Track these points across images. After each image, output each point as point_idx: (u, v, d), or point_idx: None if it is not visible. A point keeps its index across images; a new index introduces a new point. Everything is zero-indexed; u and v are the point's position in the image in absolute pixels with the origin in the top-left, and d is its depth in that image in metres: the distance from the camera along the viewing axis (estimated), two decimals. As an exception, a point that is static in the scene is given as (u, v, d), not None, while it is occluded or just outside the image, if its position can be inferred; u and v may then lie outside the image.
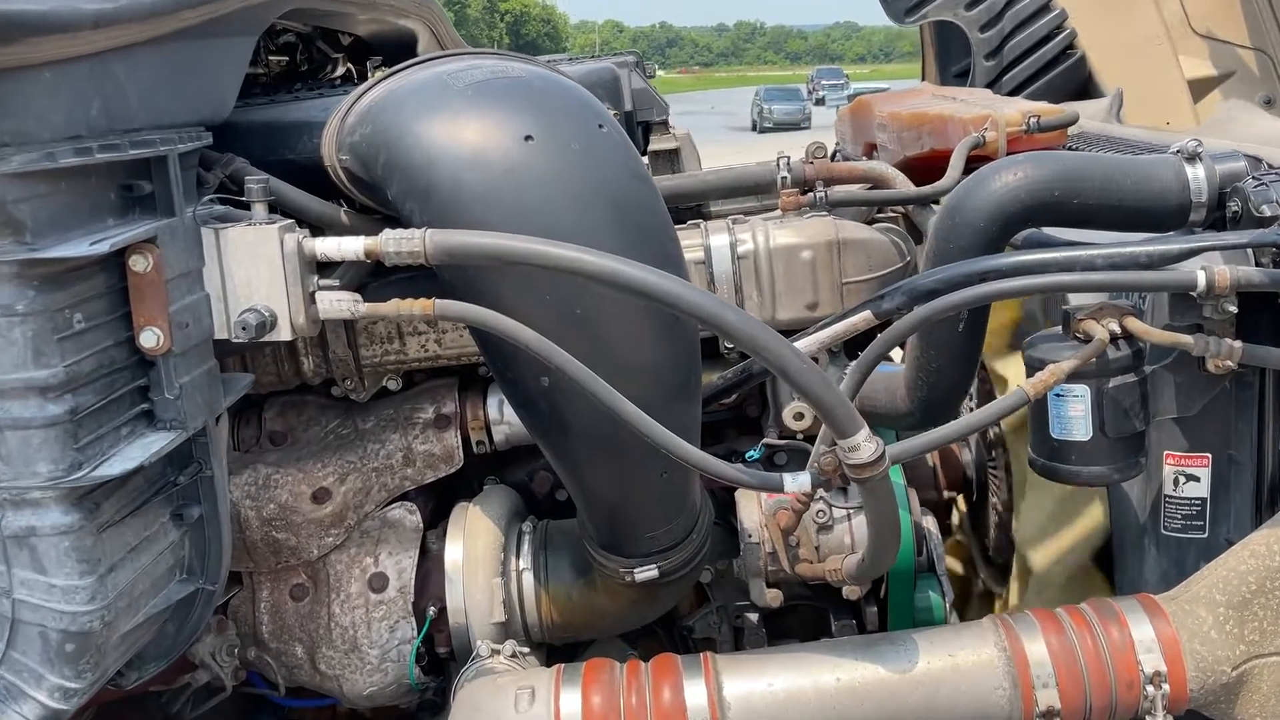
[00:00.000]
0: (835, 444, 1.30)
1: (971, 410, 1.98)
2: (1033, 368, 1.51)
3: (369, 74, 2.42)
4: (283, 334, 1.34)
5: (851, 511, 1.82)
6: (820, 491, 1.76)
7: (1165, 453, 1.60)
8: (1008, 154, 1.91)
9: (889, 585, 1.95)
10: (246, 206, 1.38)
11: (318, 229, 1.54)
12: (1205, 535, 1.60)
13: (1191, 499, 1.60)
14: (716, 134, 25.20)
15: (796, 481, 1.33)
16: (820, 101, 37.06)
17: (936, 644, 1.45)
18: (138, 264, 1.24)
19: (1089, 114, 2.42)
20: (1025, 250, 1.55)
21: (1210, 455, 1.59)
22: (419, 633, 1.86)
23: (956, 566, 2.48)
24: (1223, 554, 1.47)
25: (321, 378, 1.97)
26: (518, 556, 1.87)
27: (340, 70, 2.43)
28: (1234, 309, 1.45)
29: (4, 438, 1.15)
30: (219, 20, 1.42)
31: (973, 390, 2.23)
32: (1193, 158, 1.53)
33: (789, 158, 2.12)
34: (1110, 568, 1.86)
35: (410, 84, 1.50)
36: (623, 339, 1.42)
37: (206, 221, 1.35)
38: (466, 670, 1.62)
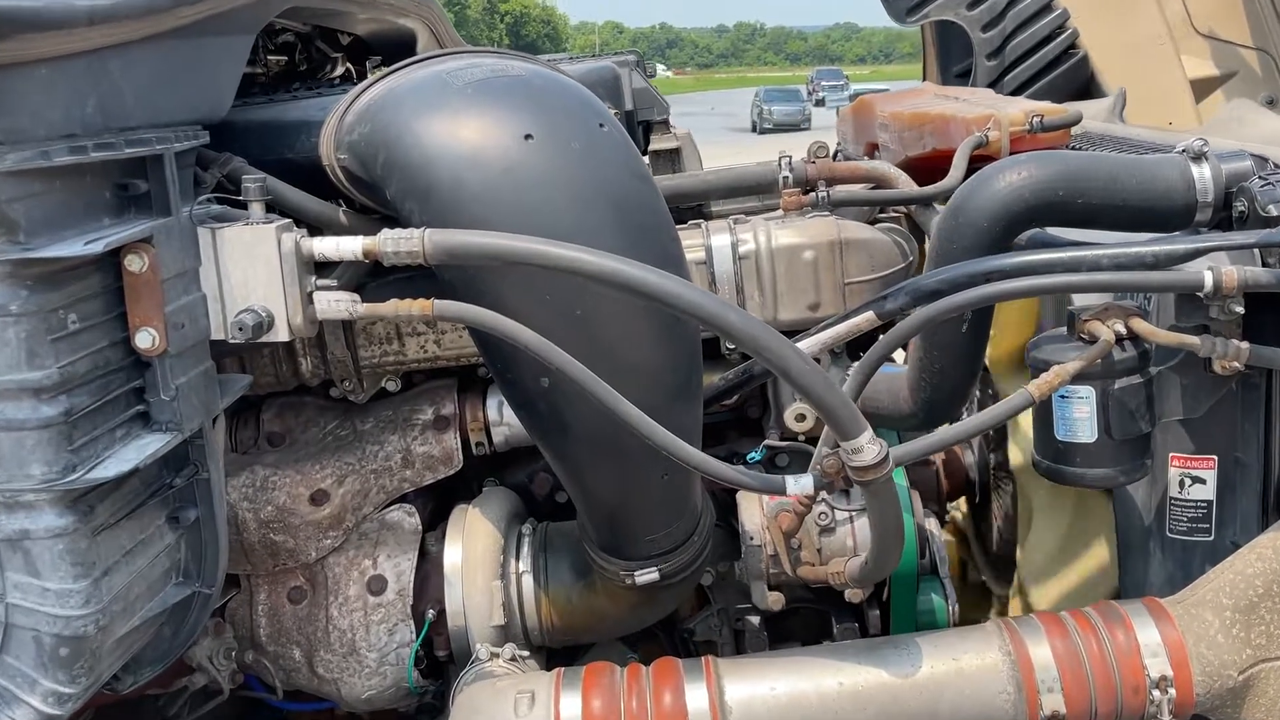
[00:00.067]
0: (838, 446, 1.29)
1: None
2: (1037, 369, 1.50)
3: (368, 73, 2.41)
4: (280, 335, 1.33)
5: (854, 514, 1.81)
6: (823, 494, 1.75)
7: (1171, 455, 1.59)
8: (1011, 154, 1.89)
9: (892, 588, 1.94)
10: (244, 206, 1.37)
11: (316, 229, 1.53)
12: (1211, 538, 1.59)
13: (1197, 501, 1.59)
14: (716, 135, 25.21)
15: (799, 484, 1.32)
16: (820, 103, 37.18)
17: (940, 647, 1.44)
18: (133, 264, 1.23)
19: (1091, 114, 2.40)
20: (1029, 250, 1.54)
21: (1216, 457, 1.57)
22: (418, 636, 1.85)
23: (955, 565, 2.47)
24: (1229, 557, 1.46)
25: (320, 379, 1.96)
26: (517, 559, 1.86)
27: (339, 70, 2.42)
28: (1241, 310, 1.44)
29: (-2, 439, 1.14)
30: (216, 18, 1.41)
31: (974, 401, 2.22)
32: (1198, 157, 1.52)
33: (790, 157, 2.11)
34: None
35: (409, 82, 1.48)
36: (623, 339, 1.41)
37: (203, 221, 1.34)
38: (466, 673, 1.61)
